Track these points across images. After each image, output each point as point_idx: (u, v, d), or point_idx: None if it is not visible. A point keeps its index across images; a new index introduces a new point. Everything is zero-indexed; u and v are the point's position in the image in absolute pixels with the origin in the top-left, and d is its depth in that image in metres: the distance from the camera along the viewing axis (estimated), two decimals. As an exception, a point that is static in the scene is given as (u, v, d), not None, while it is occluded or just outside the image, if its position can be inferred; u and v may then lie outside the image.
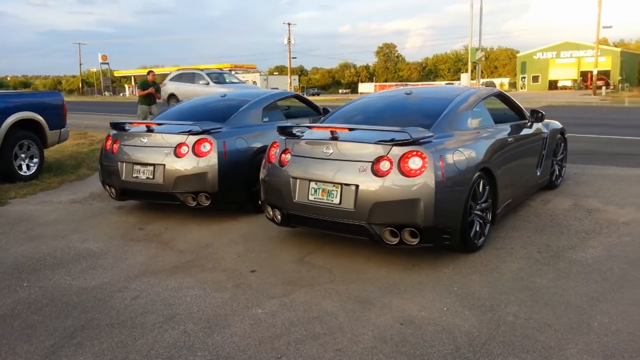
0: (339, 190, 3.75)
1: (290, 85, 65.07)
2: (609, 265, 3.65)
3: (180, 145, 4.88)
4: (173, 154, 4.86)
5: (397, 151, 3.60)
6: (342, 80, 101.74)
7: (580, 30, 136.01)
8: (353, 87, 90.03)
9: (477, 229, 4.00)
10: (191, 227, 4.94)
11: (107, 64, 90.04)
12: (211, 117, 5.40)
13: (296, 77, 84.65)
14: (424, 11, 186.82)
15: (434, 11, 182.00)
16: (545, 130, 5.72)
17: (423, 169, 3.53)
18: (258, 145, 5.29)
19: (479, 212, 4.03)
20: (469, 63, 55.68)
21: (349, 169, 3.71)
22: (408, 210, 3.55)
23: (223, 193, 4.92)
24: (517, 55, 74.49)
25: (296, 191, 3.96)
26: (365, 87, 78.68)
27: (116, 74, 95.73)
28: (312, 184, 3.88)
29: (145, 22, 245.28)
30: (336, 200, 3.75)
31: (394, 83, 74.21)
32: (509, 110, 5.53)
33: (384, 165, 3.61)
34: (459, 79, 67.07)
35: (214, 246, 4.35)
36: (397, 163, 3.58)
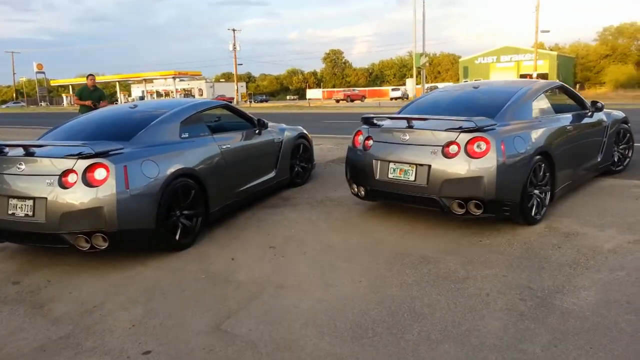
0: (414, 169, 4.49)
1: (237, 92, 63.64)
2: (611, 317, 2.86)
3: (67, 172, 3.81)
4: (58, 184, 3.78)
5: (464, 137, 4.27)
6: (290, 86, 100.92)
7: (518, 35, 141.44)
8: (301, 93, 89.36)
9: (536, 206, 4.58)
10: (83, 277, 3.84)
11: (43, 72, 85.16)
12: (113, 135, 4.44)
13: (243, 83, 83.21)
14: (368, 19, 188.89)
15: (377, 18, 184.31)
16: (607, 120, 6.18)
17: (487, 152, 4.19)
18: (175, 167, 4.31)
19: (537, 191, 4.60)
20: (414, 68, 56.20)
21: (423, 152, 4.44)
22: (473, 185, 4.22)
23: (125, 232, 3.86)
24: (459, 60, 76.10)
25: (377, 170, 4.77)
26: (313, 93, 78.23)
27: (53, 84, 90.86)
28: (391, 165, 4.67)
29: (85, 29, 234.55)
30: (411, 178, 4.50)
31: (341, 89, 73.99)
32: (570, 101, 5.93)
33: (453, 149, 4.30)
34: (404, 84, 67.73)
35: (104, 308, 3.28)
36: (464, 147, 4.26)
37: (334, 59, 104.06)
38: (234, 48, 63.01)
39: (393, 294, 3.27)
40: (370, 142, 4.89)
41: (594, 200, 5.35)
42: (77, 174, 3.79)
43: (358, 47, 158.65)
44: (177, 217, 4.32)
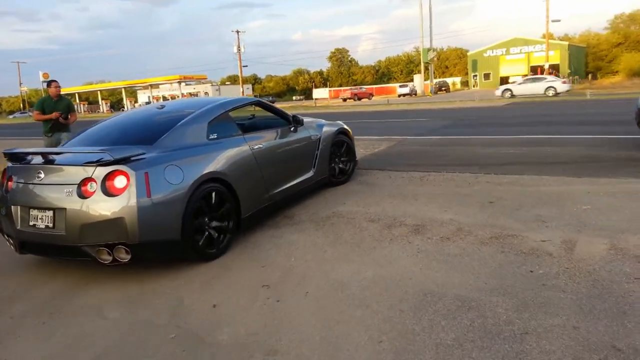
0: None
1: (243, 94, 62.78)
2: None
3: (86, 181, 3.57)
4: (77, 194, 3.55)
5: None
6: (296, 86, 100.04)
7: (528, 26, 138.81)
8: (308, 93, 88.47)
9: None
10: (24, 336, 2.98)
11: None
12: (136, 139, 4.17)
13: (249, 85, 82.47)
14: (372, 16, 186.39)
15: (381, 15, 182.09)
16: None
17: None
18: (201, 172, 3.98)
19: None
20: (422, 64, 55.02)
21: None
22: None
23: (147, 243, 3.57)
24: (468, 54, 74.71)
25: None
26: (319, 93, 77.34)
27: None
28: None
29: (91, 37, 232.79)
30: None
31: (348, 87, 72.84)
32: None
33: None
34: (412, 80, 66.46)
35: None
36: None
37: (340, 58, 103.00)
38: (239, 50, 62.24)
39: (428, 365, 2.36)
40: None
41: (626, 203, 4.40)
42: (96, 182, 3.54)
43: (363, 45, 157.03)
44: (205, 225, 4.01)
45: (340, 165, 6.44)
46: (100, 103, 78.22)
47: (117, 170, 3.53)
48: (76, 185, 3.56)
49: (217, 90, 73.38)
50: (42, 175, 3.73)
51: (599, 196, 4.98)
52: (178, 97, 67.41)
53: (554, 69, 56.29)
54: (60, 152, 4.04)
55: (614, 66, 65.22)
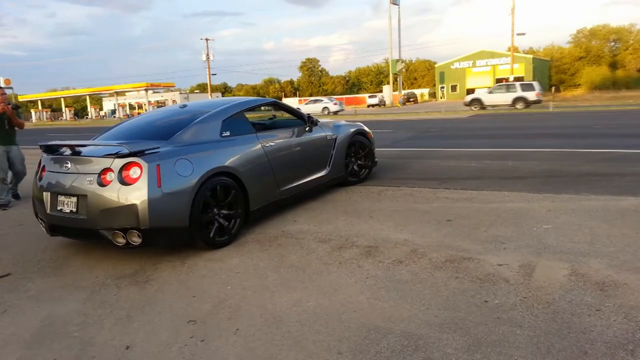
0: None
1: (211, 103, 61.77)
2: None
3: (105, 171, 3.96)
4: (97, 182, 3.94)
5: None
6: (266, 96, 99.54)
7: (494, 39, 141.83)
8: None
9: None
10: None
11: (11, 88, 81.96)
12: (155, 135, 4.51)
13: (219, 94, 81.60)
14: (344, 27, 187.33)
15: (353, 27, 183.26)
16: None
17: None
18: (210, 166, 4.30)
19: None
20: (391, 75, 55.43)
21: None
22: None
23: (157, 229, 3.89)
24: (435, 66, 75.78)
25: None
26: (289, 102, 77.11)
27: (21, 99, 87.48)
28: None
29: (59, 43, 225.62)
30: None
31: (318, 97, 72.79)
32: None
33: None
34: (381, 91, 66.88)
35: None
36: None
37: (311, 68, 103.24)
38: (207, 58, 61.51)
39: None
40: None
41: (621, 230, 4.18)
42: (114, 172, 3.90)
43: (334, 55, 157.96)
44: (214, 215, 4.33)
45: (359, 162, 6.76)
46: (63, 110, 75.79)
47: (132, 162, 3.88)
48: (97, 175, 3.94)
49: (185, 98, 72.25)
50: (69, 165, 4.15)
51: (559, 214, 4.76)
52: (145, 105, 66.00)
53: (519, 81, 57.52)
54: (85, 144, 4.34)
55: (576, 79, 67.10)
